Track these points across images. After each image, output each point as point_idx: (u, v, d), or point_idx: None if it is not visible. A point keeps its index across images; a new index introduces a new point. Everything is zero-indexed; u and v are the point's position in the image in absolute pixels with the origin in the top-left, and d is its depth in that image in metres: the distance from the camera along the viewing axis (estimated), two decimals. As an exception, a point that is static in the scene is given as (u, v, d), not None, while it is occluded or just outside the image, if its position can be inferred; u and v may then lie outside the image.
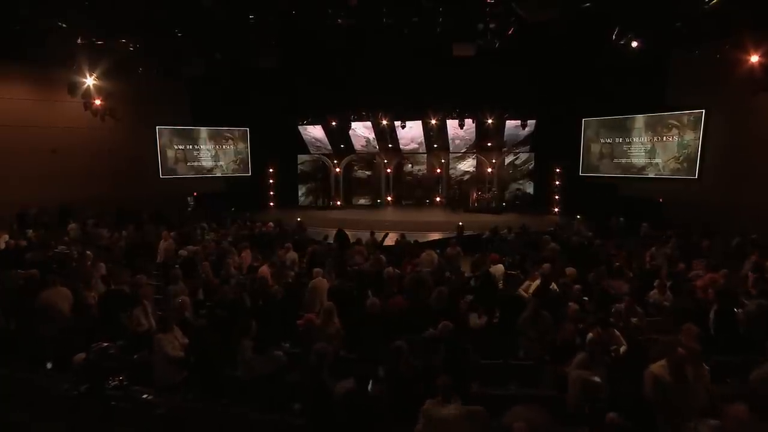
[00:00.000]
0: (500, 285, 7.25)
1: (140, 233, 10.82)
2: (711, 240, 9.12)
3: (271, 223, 12.84)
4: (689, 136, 13.62)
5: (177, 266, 7.12)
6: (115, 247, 9.53)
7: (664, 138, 14.26)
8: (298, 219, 14.53)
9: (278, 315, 5.02)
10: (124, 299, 5.22)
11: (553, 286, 6.28)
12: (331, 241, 10.83)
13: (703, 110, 13.21)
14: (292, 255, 8.12)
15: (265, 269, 6.81)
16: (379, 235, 10.87)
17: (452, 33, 8.87)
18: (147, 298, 5.46)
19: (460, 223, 13.56)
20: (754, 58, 9.90)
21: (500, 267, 7.47)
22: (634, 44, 9.33)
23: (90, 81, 11.19)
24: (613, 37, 9.07)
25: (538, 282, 6.38)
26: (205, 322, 4.47)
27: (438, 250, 10.08)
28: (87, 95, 11.21)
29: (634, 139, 15.02)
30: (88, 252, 7.80)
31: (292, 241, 9.62)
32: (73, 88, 10.70)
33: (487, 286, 6.68)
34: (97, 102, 13.55)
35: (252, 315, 4.53)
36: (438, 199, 19.89)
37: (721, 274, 6.17)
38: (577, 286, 6.12)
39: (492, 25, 8.17)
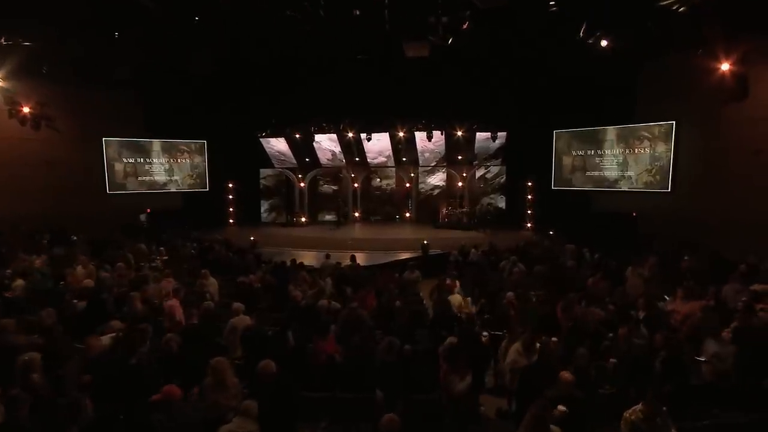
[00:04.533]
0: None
1: (62, 257, 9.50)
2: (692, 259, 8.33)
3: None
4: (661, 148, 13.16)
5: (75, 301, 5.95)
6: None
7: (636, 150, 13.78)
8: (252, 238, 13.45)
9: (156, 374, 3.86)
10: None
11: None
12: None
13: (674, 121, 12.78)
14: (213, 283, 6.97)
15: (172, 304, 5.68)
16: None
17: (402, 31, 8.06)
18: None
19: (425, 242, 12.72)
20: (725, 66, 9.42)
21: (458, 297, 6.53)
22: (604, 43, 8.71)
23: None
24: (581, 34, 8.42)
25: (518, 347, 4.72)
26: (17, 394, 3.20)
27: (397, 274, 9.20)
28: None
29: (606, 152, 14.52)
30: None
31: (226, 263, 8.45)
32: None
33: (444, 321, 5.69)
34: (25, 110, 12.39)
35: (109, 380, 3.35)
36: (408, 214, 19.04)
37: (698, 306, 5.30)
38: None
39: (444, 19, 7.40)
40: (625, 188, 14.17)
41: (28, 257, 9.06)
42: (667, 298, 6.85)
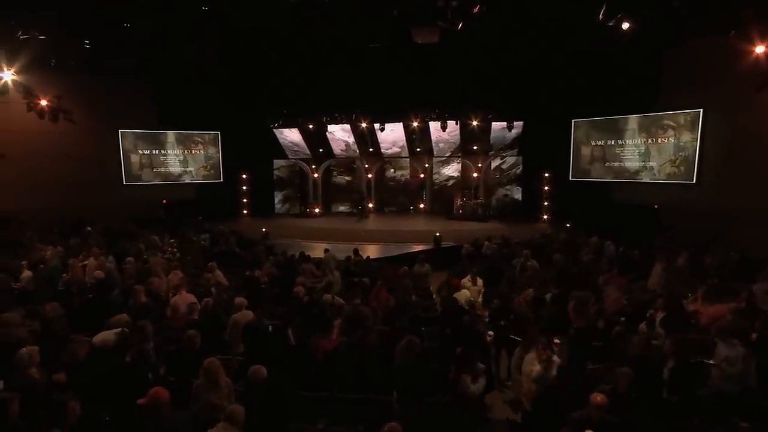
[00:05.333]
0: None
1: (76, 249, 9.61)
2: (717, 255, 7.90)
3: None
4: (686, 137, 12.57)
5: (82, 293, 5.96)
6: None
7: (659, 140, 13.20)
8: (264, 229, 13.43)
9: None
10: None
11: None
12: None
13: (701, 109, 12.16)
14: (219, 276, 6.91)
15: (179, 299, 5.60)
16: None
17: (410, 16, 7.74)
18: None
19: (438, 234, 12.50)
20: (760, 49, 8.82)
21: (465, 293, 6.32)
22: (625, 26, 8.20)
23: (8, 75, 10.06)
24: (600, 16, 7.95)
25: (534, 356, 4.27)
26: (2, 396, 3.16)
27: (406, 267, 9.01)
28: (5, 91, 10.05)
29: (627, 141, 13.97)
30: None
31: (235, 255, 8.38)
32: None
33: (450, 319, 5.49)
34: (43, 103, 12.52)
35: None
36: (422, 205, 18.80)
37: (727, 308, 4.94)
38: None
39: (454, 3, 7.06)
40: (646, 179, 13.64)
41: (44, 248, 9.22)
42: (690, 295, 6.52)
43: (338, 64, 14.05)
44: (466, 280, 6.86)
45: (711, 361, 4.13)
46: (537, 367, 4.10)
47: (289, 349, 4.59)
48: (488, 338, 5.13)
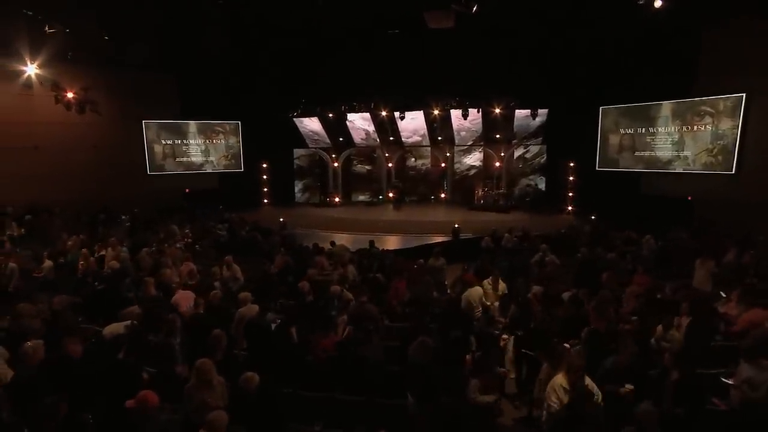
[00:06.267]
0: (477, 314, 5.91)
1: (99, 238, 9.84)
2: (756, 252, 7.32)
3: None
4: (726, 125, 11.75)
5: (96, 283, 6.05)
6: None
7: (695, 127, 12.40)
8: (281, 219, 13.43)
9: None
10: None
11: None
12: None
13: (744, 94, 11.32)
14: (236, 270, 6.88)
15: (181, 296, 5.56)
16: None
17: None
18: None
19: (456, 225, 12.21)
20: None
21: (478, 290, 6.07)
22: (658, 4, 7.60)
23: (32, 69, 10.28)
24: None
25: (563, 382, 3.61)
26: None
27: (421, 260, 8.81)
28: (30, 85, 10.30)
29: (659, 129, 13.20)
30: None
31: (246, 244, 8.35)
32: (15, 77, 9.86)
33: (453, 318, 5.24)
34: (69, 95, 12.79)
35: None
36: (443, 195, 18.47)
37: (766, 315, 4.47)
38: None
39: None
40: (679, 170, 12.89)
41: (65, 238, 9.46)
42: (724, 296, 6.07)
43: (357, 52, 13.81)
44: (487, 282, 6.40)
45: (730, 381, 3.74)
46: (563, 397, 3.70)
47: (291, 347, 4.50)
48: (502, 342, 4.89)
